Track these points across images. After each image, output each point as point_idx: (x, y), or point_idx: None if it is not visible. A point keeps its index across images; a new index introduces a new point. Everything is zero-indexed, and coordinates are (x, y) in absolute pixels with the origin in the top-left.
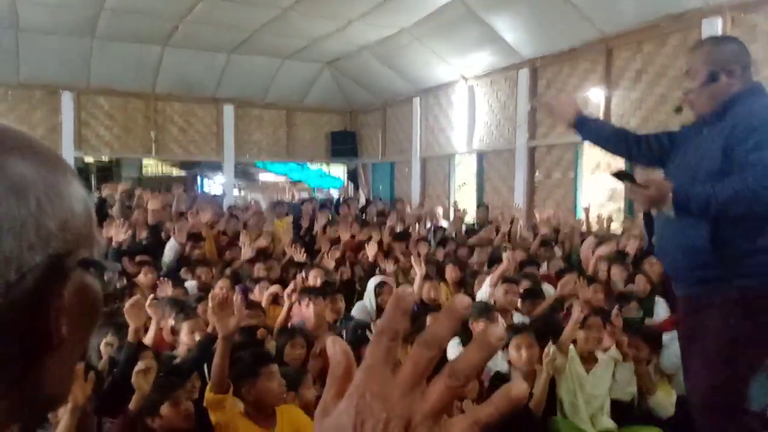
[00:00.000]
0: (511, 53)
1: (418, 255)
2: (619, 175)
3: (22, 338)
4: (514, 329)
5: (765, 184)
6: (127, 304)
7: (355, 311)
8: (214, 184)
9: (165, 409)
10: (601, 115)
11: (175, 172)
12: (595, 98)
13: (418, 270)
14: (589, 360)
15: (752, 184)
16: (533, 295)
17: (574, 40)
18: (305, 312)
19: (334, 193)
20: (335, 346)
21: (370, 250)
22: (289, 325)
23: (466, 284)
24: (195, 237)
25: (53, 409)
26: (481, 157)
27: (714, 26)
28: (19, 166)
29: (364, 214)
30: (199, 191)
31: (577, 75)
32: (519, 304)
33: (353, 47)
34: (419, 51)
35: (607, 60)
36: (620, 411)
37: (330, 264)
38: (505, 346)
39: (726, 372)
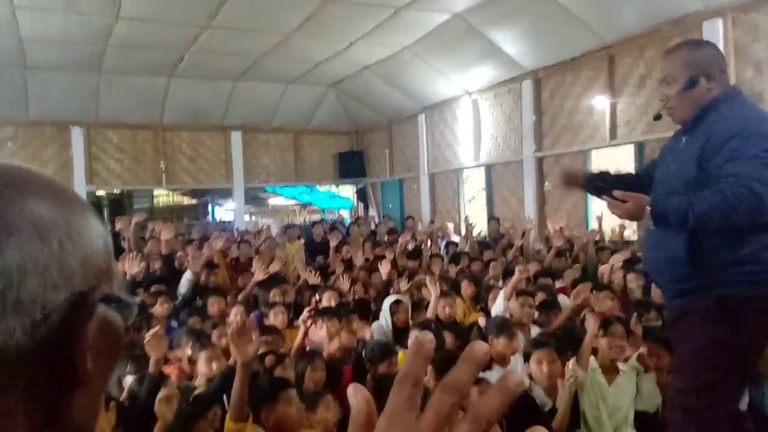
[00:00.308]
0: (514, 66)
1: (432, 274)
2: (597, 189)
3: (50, 376)
4: (534, 343)
5: (739, 195)
6: (147, 335)
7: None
8: (224, 211)
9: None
10: (607, 123)
11: (186, 200)
12: (600, 106)
13: (433, 291)
14: (610, 371)
15: (728, 196)
16: (549, 306)
17: (575, 49)
18: (320, 334)
19: (345, 214)
20: (356, 394)
21: (383, 270)
22: (307, 348)
23: (480, 299)
24: (209, 265)
25: None
26: (489, 169)
27: (715, 28)
28: (39, 207)
29: (375, 235)
30: (211, 219)
31: (581, 84)
32: (536, 316)
33: (356, 68)
34: (421, 68)
35: (609, 67)
36: (645, 422)
37: (344, 285)
38: (526, 360)
39: (703, 377)
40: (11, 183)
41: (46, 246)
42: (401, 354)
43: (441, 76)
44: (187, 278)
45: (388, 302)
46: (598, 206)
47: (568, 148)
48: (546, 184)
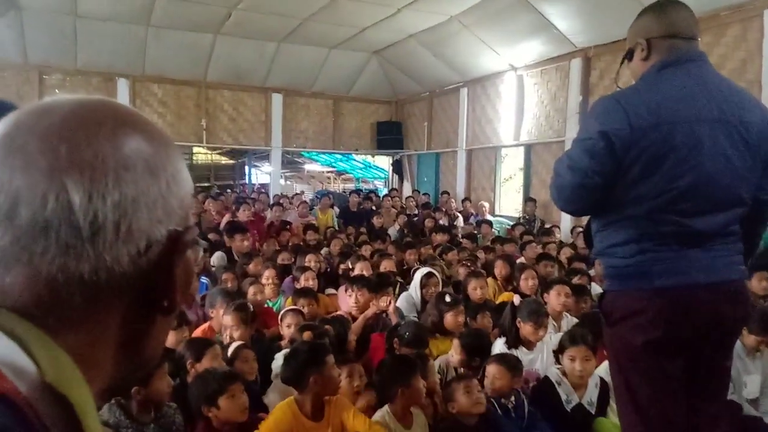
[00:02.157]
0: (563, 42)
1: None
2: None
3: (144, 302)
4: (571, 338)
5: (552, 179)
6: None
7: (401, 302)
8: (261, 174)
9: (222, 401)
10: None
11: (224, 160)
12: None
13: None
14: None
15: (554, 172)
16: (578, 292)
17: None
18: (350, 302)
19: (379, 184)
20: None
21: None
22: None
23: (513, 279)
24: (241, 230)
25: (140, 375)
26: (528, 149)
27: None
28: (149, 147)
29: (405, 209)
30: (247, 181)
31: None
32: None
33: (401, 35)
34: (468, 40)
35: None
36: None
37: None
38: (561, 352)
39: (616, 383)
40: (124, 121)
41: (156, 184)
42: (432, 344)
43: (487, 49)
44: (218, 256)
45: (419, 274)
46: None
47: None
48: None
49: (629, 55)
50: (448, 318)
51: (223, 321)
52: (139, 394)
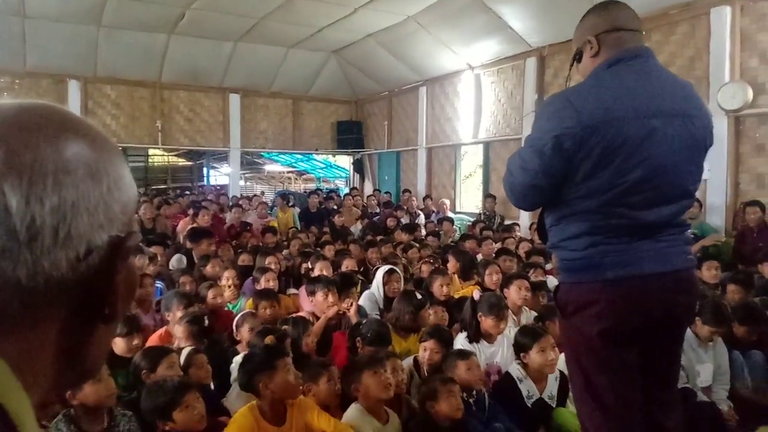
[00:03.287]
0: (519, 42)
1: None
2: None
3: (83, 310)
4: (533, 334)
5: (512, 169)
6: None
7: (363, 300)
8: (219, 175)
9: (177, 414)
10: None
11: (181, 162)
12: None
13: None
14: None
15: (507, 170)
16: (537, 287)
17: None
18: (320, 302)
19: (340, 184)
20: None
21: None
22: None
23: (468, 274)
24: (206, 234)
25: (85, 382)
26: (487, 146)
27: (723, 15)
28: (90, 151)
29: (366, 207)
30: (206, 183)
31: None
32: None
33: (359, 35)
34: (425, 39)
35: None
36: None
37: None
38: (525, 350)
39: (572, 373)
40: (64, 126)
41: (98, 188)
42: (394, 341)
43: (445, 49)
44: (176, 258)
45: (381, 271)
46: None
47: None
48: None
49: (578, 56)
50: (422, 315)
51: (174, 330)
52: (73, 397)
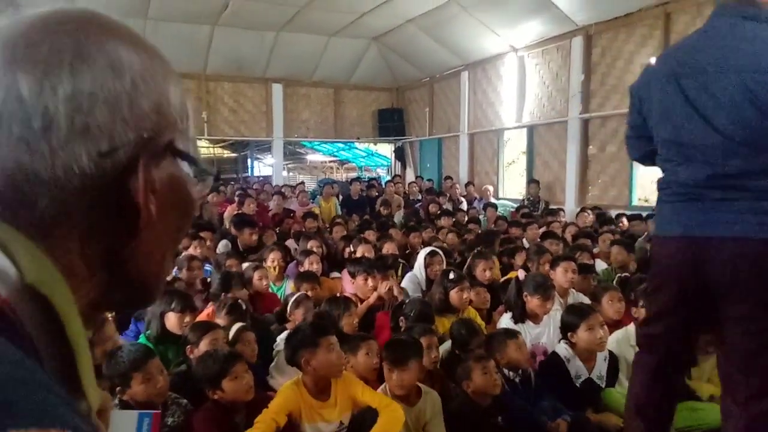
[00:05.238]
0: (564, 21)
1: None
2: None
3: (112, 214)
4: (581, 313)
5: None
6: None
7: (405, 282)
8: (263, 166)
9: (226, 383)
10: None
11: (226, 154)
12: None
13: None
14: None
15: None
16: (583, 270)
17: (630, 4)
18: (352, 286)
19: (382, 172)
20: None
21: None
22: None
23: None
24: (249, 224)
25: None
26: (531, 131)
27: None
28: (120, 48)
29: (408, 195)
30: (250, 174)
31: (634, 41)
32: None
33: (399, 20)
34: (467, 22)
35: (665, 25)
36: None
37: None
38: (573, 329)
39: None
40: (100, 25)
41: (119, 80)
42: (438, 322)
43: (487, 31)
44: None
45: (423, 253)
46: (643, 172)
47: (616, 109)
48: (590, 147)
49: None
50: (453, 295)
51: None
52: (123, 393)
